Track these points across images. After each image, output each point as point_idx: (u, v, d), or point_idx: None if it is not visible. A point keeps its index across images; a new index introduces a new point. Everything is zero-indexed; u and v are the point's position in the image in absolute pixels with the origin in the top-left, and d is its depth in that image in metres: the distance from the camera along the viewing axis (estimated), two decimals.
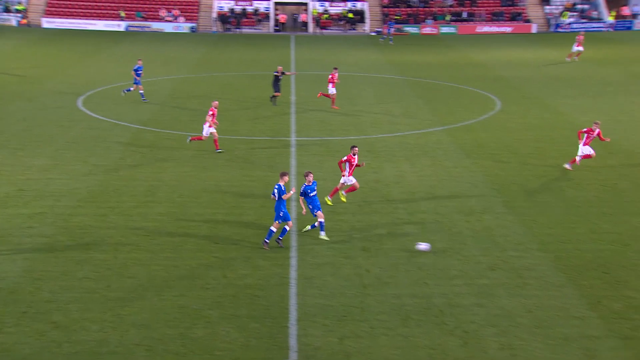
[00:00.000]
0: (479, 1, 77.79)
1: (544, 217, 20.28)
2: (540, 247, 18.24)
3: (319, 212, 18.51)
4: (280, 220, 17.87)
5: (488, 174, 24.49)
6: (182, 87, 38.39)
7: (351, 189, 21.05)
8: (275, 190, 17.67)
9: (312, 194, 18.46)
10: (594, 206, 21.24)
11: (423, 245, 17.86)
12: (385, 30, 66.83)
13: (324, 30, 74.53)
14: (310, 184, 18.47)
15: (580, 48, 50.86)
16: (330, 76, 34.90)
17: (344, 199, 21.27)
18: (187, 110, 34.92)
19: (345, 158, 20.70)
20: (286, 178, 17.95)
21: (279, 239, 18.10)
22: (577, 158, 24.44)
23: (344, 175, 20.81)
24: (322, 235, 18.62)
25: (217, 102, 27.95)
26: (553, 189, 22.87)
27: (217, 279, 16.36)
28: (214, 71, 48.10)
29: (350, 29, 75.44)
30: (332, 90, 34.81)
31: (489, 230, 19.41)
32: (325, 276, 16.54)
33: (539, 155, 26.83)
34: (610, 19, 71.49)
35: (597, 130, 24.09)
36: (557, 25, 72.68)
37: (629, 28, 70.48)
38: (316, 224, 18.77)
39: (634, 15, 72.13)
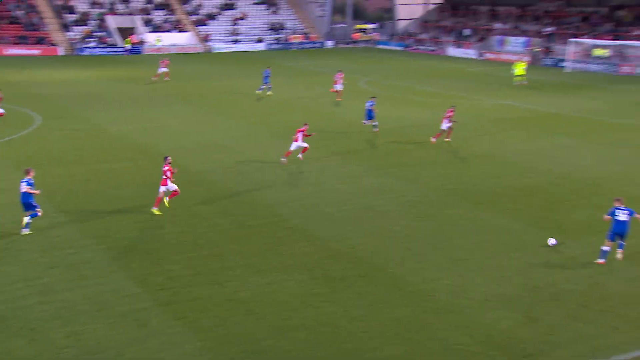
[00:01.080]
0: (3, 25, 73.01)
1: (88, 213, 20.46)
2: (94, 241, 18.46)
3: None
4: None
5: (41, 183, 23.31)
6: None
7: (174, 194, 20.84)
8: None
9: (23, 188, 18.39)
10: (128, 196, 22.20)
11: (552, 241, 18.53)
12: None
13: None
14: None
15: (166, 69, 52.07)
16: None
17: (167, 205, 20.95)
18: None
19: (166, 168, 20.31)
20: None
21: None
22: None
23: (163, 185, 20.42)
24: (25, 231, 18.48)
25: None
26: (91, 190, 23.18)
27: None
28: None
29: None
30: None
31: (44, 232, 18.87)
32: None
33: (83, 161, 27.08)
34: (126, 44, 75.79)
35: (303, 131, 26.58)
36: (81, 49, 73.72)
37: (139, 52, 75.89)
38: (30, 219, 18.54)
39: (142, 42, 77.63)
